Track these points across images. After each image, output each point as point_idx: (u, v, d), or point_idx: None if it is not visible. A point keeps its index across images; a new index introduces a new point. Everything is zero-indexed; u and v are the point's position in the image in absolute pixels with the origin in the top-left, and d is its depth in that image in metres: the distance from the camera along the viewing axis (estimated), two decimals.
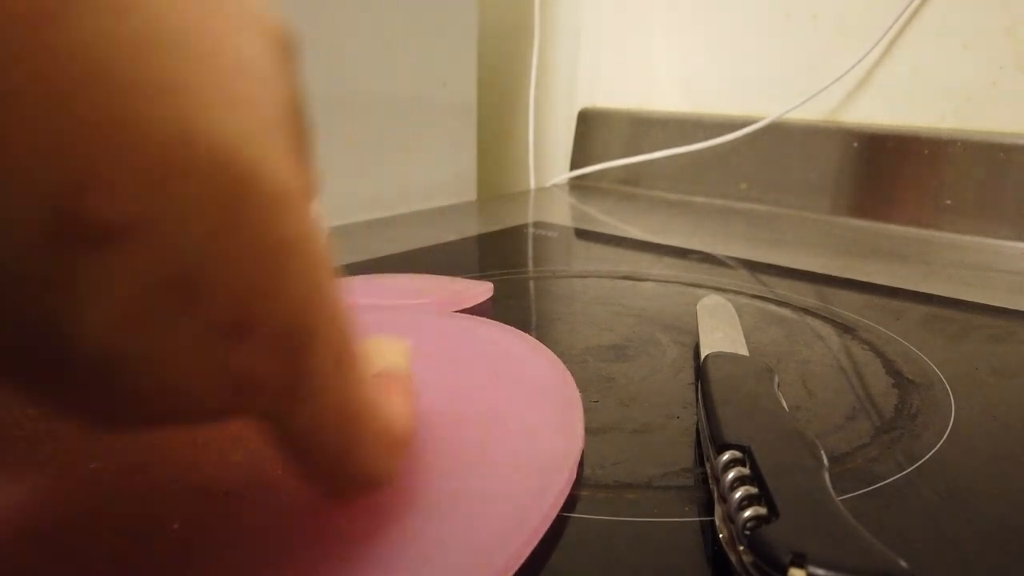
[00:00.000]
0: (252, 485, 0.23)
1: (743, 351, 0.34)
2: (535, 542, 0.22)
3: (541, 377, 0.32)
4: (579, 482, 0.26)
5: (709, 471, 0.25)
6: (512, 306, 0.46)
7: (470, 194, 0.80)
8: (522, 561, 0.21)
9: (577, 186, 0.86)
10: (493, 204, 0.80)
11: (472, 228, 0.66)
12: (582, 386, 0.32)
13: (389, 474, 0.20)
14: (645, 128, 0.82)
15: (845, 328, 0.42)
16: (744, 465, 0.23)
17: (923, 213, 0.65)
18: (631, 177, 0.82)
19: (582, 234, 0.66)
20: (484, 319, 0.39)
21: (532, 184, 0.89)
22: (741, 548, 0.21)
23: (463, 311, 0.42)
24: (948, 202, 0.64)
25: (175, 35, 0.12)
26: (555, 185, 0.88)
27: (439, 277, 0.48)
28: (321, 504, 0.23)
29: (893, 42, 0.67)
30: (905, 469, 0.28)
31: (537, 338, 0.37)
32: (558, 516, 0.24)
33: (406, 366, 0.25)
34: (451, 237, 0.62)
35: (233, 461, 0.25)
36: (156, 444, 0.25)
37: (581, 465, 0.27)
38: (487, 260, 0.56)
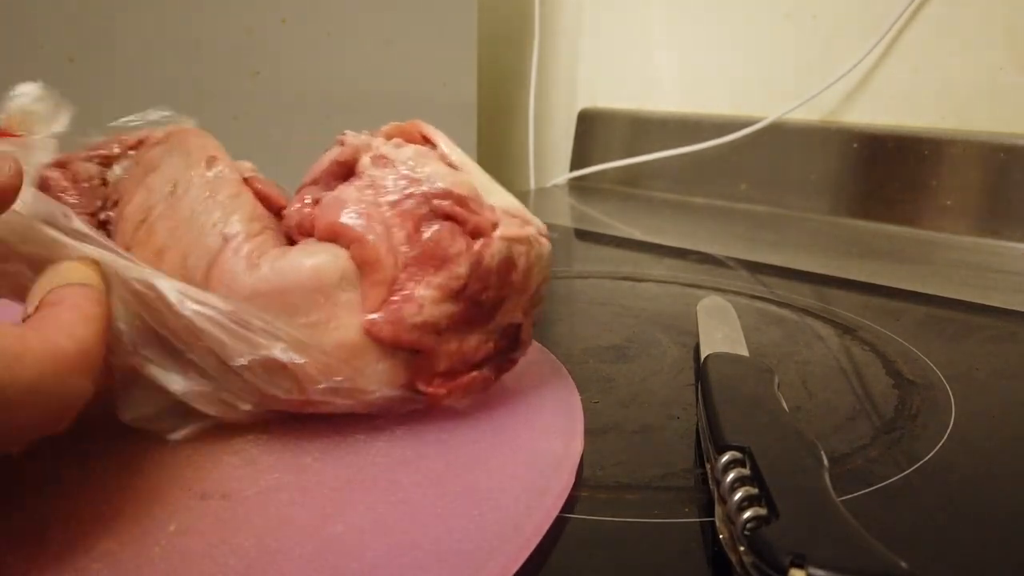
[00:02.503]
0: (247, 488, 0.23)
1: (743, 352, 0.34)
2: (535, 542, 0.22)
3: (540, 378, 0.32)
4: (579, 483, 0.26)
5: (709, 472, 0.25)
6: None
7: None
8: (522, 561, 0.21)
9: (577, 187, 0.86)
10: None
11: None
12: (582, 387, 0.32)
13: (75, 391, 0.20)
14: (645, 129, 0.82)
15: (845, 329, 0.42)
16: (744, 466, 0.23)
17: (923, 213, 0.65)
18: (631, 178, 0.82)
19: (582, 235, 0.66)
20: None
21: (532, 184, 0.89)
22: (741, 549, 0.21)
23: None
24: (948, 202, 0.64)
25: None
26: (555, 186, 0.88)
27: None
28: (319, 507, 0.23)
29: (893, 43, 0.67)
30: (905, 470, 0.28)
31: (537, 339, 0.37)
32: (558, 516, 0.24)
33: (93, 278, 0.23)
34: None
35: (228, 463, 0.25)
36: (153, 447, 0.25)
37: (581, 466, 0.27)
38: None
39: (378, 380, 0.26)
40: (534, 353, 0.35)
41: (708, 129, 0.76)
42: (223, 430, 0.26)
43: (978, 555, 0.23)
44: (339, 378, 0.25)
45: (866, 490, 0.26)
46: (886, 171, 0.67)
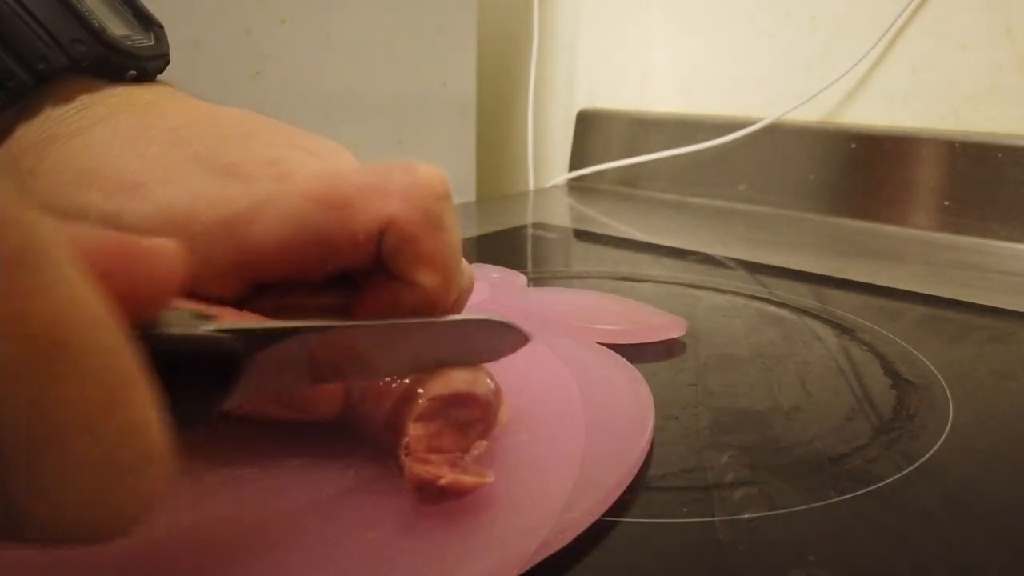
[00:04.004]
0: (273, 505, 0.23)
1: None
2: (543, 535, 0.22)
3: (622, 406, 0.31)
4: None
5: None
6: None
7: (469, 195, 0.80)
8: (527, 558, 0.21)
9: (576, 187, 0.86)
10: (492, 205, 0.80)
11: (471, 229, 0.66)
12: None
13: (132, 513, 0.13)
14: (644, 129, 0.82)
15: (844, 329, 0.43)
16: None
17: (921, 214, 0.65)
18: (630, 178, 0.83)
19: (581, 235, 0.66)
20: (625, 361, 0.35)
21: (531, 185, 0.89)
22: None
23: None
24: (946, 203, 0.64)
25: None
26: (554, 186, 0.88)
27: (641, 304, 0.44)
28: (337, 500, 0.23)
29: (892, 43, 0.67)
30: (904, 469, 0.28)
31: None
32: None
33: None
34: None
35: (250, 490, 0.24)
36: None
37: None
38: (486, 261, 0.56)
39: None
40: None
41: (707, 129, 0.76)
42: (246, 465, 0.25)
43: (977, 555, 0.23)
44: None
45: (864, 490, 0.26)
46: (885, 171, 0.67)
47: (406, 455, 0.23)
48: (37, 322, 0.11)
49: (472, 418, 0.24)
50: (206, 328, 0.17)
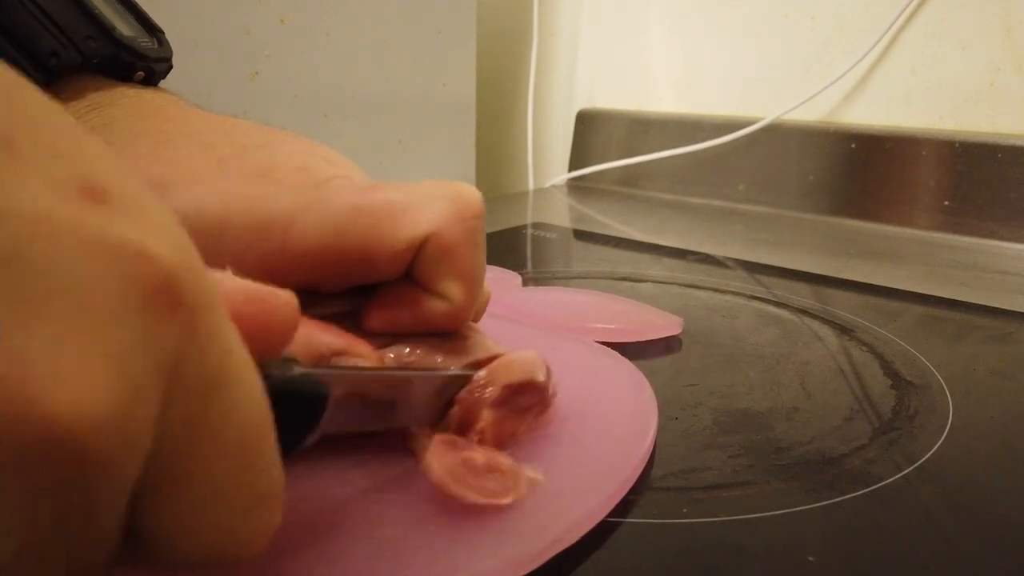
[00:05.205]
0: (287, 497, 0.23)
1: None
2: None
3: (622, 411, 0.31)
4: None
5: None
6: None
7: None
8: (534, 558, 0.21)
9: (576, 187, 0.86)
10: (492, 205, 0.80)
11: None
12: None
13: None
14: (643, 129, 0.82)
15: (843, 329, 0.43)
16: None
17: (921, 214, 0.65)
18: (630, 178, 0.83)
19: (581, 235, 0.66)
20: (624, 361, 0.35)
21: (531, 185, 0.89)
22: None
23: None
24: (946, 203, 0.64)
25: None
26: (554, 186, 0.88)
27: (637, 303, 0.43)
28: (349, 498, 0.23)
29: (891, 43, 0.67)
30: (903, 470, 0.28)
31: None
32: None
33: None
34: None
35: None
36: None
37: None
38: (486, 261, 0.56)
39: None
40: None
41: (706, 129, 0.76)
42: None
43: (976, 555, 0.23)
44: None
45: (864, 490, 0.26)
46: (884, 171, 0.67)
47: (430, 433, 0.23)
48: (208, 363, 0.13)
49: (532, 403, 0.25)
50: (299, 370, 0.18)
